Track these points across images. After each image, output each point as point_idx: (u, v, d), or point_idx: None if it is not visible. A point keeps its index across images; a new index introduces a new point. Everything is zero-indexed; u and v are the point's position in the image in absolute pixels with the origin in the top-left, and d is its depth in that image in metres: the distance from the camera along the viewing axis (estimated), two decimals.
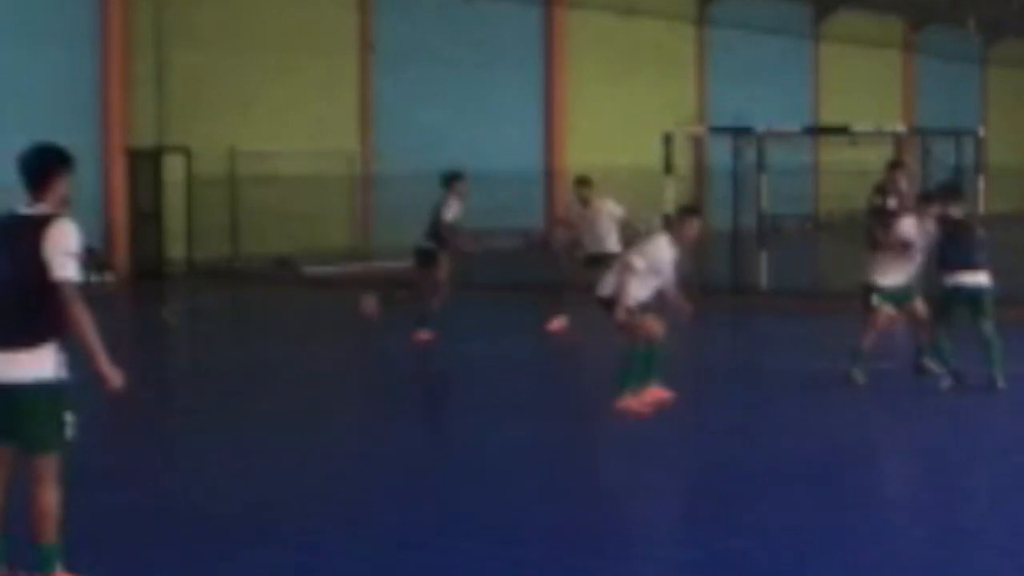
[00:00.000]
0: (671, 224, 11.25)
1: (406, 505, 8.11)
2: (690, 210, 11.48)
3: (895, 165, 17.63)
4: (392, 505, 8.14)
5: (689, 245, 11.25)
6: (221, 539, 7.37)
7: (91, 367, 6.07)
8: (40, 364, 6.03)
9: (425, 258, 15.72)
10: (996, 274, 18.17)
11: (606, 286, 10.93)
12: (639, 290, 10.70)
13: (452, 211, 15.74)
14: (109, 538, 6.98)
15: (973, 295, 12.20)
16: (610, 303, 10.78)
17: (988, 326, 12.17)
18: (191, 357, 15.74)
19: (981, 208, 18.58)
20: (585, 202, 16.32)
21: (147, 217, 24.99)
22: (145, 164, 25.13)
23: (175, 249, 25.13)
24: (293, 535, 7.38)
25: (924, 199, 13.07)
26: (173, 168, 25.26)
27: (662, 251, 10.77)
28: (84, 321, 6.00)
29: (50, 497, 6.09)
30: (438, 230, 15.73)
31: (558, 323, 16.00)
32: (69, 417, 6.14)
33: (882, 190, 17.27)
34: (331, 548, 7.15)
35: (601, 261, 15.93)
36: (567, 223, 17.35)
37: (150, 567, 6.85)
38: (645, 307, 10.83)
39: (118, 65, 24.62)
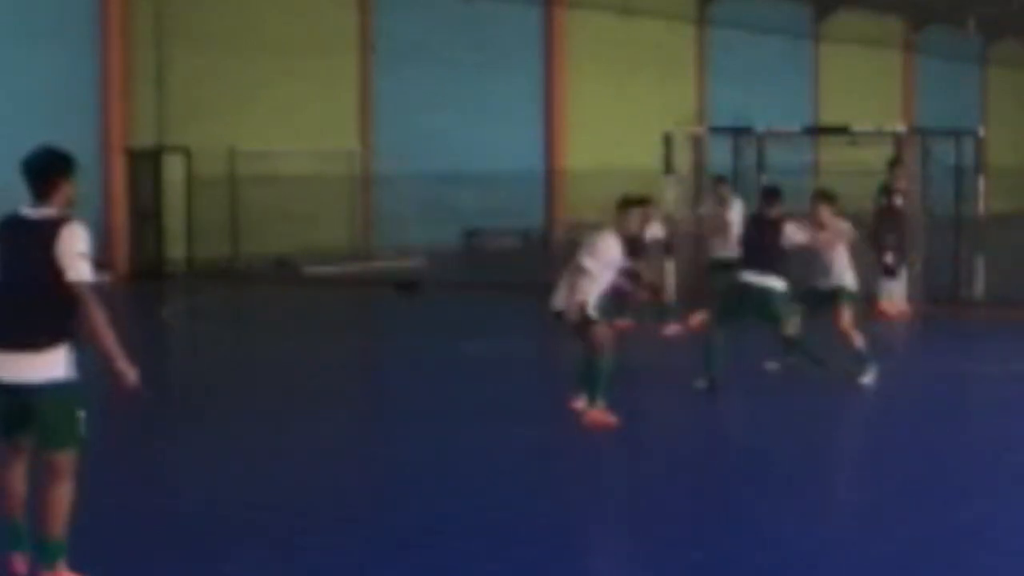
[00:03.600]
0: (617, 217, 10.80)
1: (407, 505, 8.12)
2: (632, 201, 11.02)
3: (896, 163, 17.67)
4: (393, 505, 8.15)
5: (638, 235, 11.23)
6: (222, 539, 7.37)
7: (107, 365, 6.16)
8: (55, 364, 6.15)
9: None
10: (995, 274, 18.27)
11: (560, 298, 10.66)
12: (592, 290, 10.49)
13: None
14: (110, 538, 6.98)
15: (757, 297, 12.02)
16: (559, 314, 10.58)
17: (787, 328, 12.11)
18: (191, 357, 15.73)
19: (981, 208, 18.59)
20: (723, 201, 15.98)
21: (147, 217, 24.98)
22: (145, 164, 25.11)
23: (175, 249, 25.12)
24: (294, 535, 7.38)
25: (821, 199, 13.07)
26: (173, 168, 25.25)
27: (611, 248, 10.56)
28: (100, 320, 6.12)
29: (63, 493, 6.22)
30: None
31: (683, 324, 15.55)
32: (82, 414, 6.26)
33: (887, 190, 17.32)
34: (332, 548, 7.15)
35: (731, 267, 15.83)
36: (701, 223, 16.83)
37: (151, 567, 6.85)
38: (603, 311, 10.64)
39: (118, 65, 24.62)
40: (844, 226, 13.14)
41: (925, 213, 18.88)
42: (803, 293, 12.74)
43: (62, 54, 24.00)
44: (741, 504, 8.25)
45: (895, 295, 17.42)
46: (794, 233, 12.12)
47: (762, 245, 12.12)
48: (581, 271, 10.43)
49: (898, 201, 17.19)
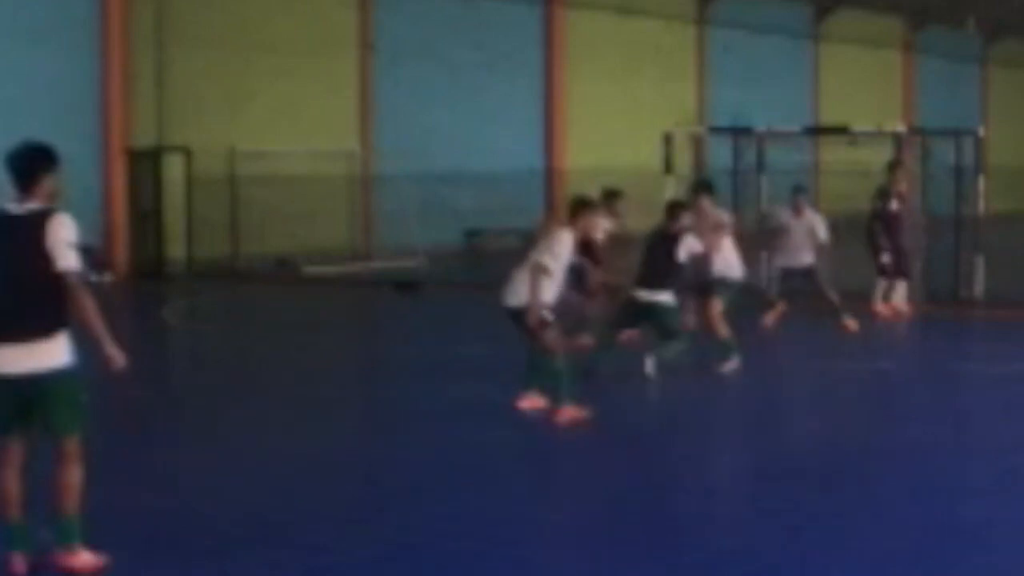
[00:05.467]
0: (572, 215, 10.84)
1: (407, 505, 8.11)
2: (587, 202, 11.07)
3: (895, 165, 17.64)
4: (393, 505, 8.14)
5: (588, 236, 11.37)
6: (221, 539, 7.36)
7: (96, 350, 6.39)
8: (57, 352, 6.36)
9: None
10: (995, 274, 18.27)
11: (516, 295, 10.62)
12: (548, 292, 10.52)
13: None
14: (109, 538, 6.97)
15: (649, 312, 12.21)
16: (521, 313, 10.55)
17: (663, 348, 12.19)
18: (191, 357, 15.73)
19: (981, 208, 18.59)
20: (798, 210, 16.20)
21: (147, 217, 25.00)
22: (145, 164, 25.13)
23: (175, 249, 25.12)
24: (295, 535, 7.38)
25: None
26: (173, 168, 25.27)
27: (567, 247, 10.60)
28: (89, 307, 6.32)
29: (76, 474, 6.49)
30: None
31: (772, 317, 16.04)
32: (84, 399, 6.51)
33: (884, 193, 17.30)
34: (332, 548, 7.15)
35: (796, 276, 15.98)
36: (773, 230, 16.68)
37: (151, 567, 6.85)
38: (552, 310, 10.66)
39: (118, 65, 24.63)
40: (725, 217, 13.43)
41: (924, 213, 18.88)
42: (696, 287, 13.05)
43: (62, 54, 24.01)
44: (736, 503, 8.24)
45: (898, 295, 17.43)
46: (693, 245, 12.27)
47: (658, 261, 12.25)
48: (543, 271, 10.43)
49: (893, 206, 17.17)
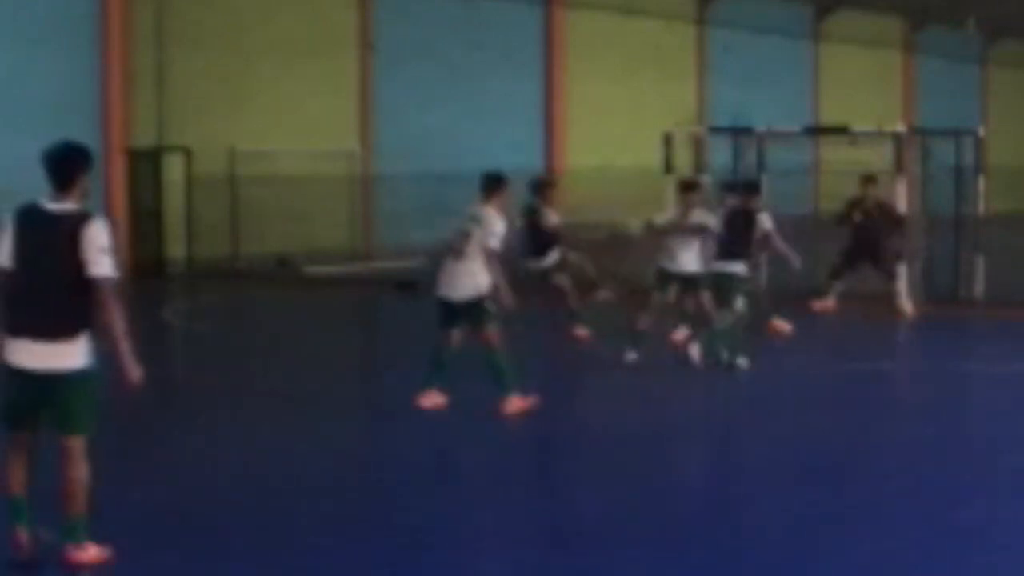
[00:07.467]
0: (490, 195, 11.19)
1: (407, 505, 8.11)
2: (498, 177, 11.42)
3: (868, 179, 17.93)
4: (393, 505, 8.15)
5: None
6: (221, 538, 7.37)
7: (116, 359, 6.52)
8: (79, 353, 6.47)
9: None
10: (995, 274, 18.28)
11: (455, 288, 10.85)
12: (486, 279, 10.70)
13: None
14: (114, 534, 6.97)
15: (718, 280, 12.88)
16: (463, 305, 10.72)
17: (729, 308, 12.85)
18: (192, 357, 15.73)
19: (981, 208, 18.59)
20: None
21: (147, 217, 24.99)
22: (145, 164, 25.12)
23: (175, 249, 25.12)
24: (295, 535, 7.38)
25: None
26: (173, 168, 25.26)
27: (500, 223, 10.81)
28: (117, 316, 6.49)
29: (82, 472, 6.57)
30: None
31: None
32: (97, 399, 6.63)
33: (853, 204, 17.62)
34: (332, 548, 7.15)
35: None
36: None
37: (151, 566, 6.86)
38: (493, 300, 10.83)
39: (118, 65, 24.63)
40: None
41: (924, 214, 18.90)
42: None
43: (62, 55, 24.00)
44: (736, 502, 8.25)
45: (900, 296, 17.45)
46: (766, 223, 13.80)
47: (735, 233, 13.02)
48: (496, 254, 10.63)
49: (856, 217, 17.43)
